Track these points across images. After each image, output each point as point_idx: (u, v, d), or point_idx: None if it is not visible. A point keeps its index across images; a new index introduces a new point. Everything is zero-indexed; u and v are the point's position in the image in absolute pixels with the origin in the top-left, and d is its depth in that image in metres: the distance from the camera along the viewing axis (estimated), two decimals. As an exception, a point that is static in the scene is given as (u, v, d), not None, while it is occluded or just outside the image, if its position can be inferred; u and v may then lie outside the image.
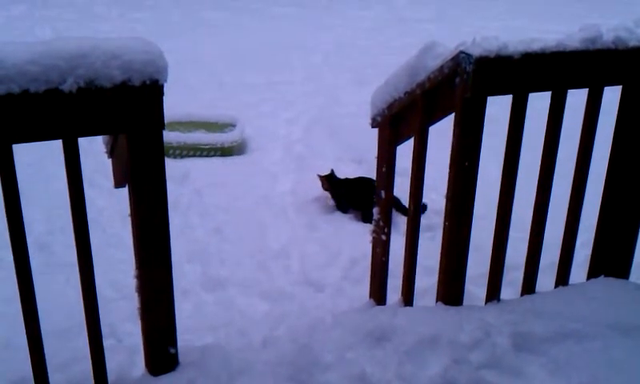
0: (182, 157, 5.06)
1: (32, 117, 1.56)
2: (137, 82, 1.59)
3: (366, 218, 4.13)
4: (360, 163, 4.99)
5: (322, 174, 4.40)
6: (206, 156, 5.15)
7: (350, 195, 4.34)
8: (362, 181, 4.36)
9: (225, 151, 5.18)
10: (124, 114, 1.63)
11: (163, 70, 1.62)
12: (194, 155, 5.12)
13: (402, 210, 3.96)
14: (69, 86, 1.53)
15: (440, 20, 10.16)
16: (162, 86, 1.64)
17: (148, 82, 1.60)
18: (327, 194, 4.43)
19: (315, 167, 4.92)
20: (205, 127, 5.53)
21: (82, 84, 1.54)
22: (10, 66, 1.49)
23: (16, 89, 1.50)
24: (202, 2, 10.86)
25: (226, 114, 5.71)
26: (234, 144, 5.22)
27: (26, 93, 1.51)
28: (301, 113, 6.19)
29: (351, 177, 4.46)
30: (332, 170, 4.43)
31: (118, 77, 1.57)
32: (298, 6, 10.92)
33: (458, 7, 11.24)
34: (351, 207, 4.34)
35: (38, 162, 4.46)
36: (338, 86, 7.01)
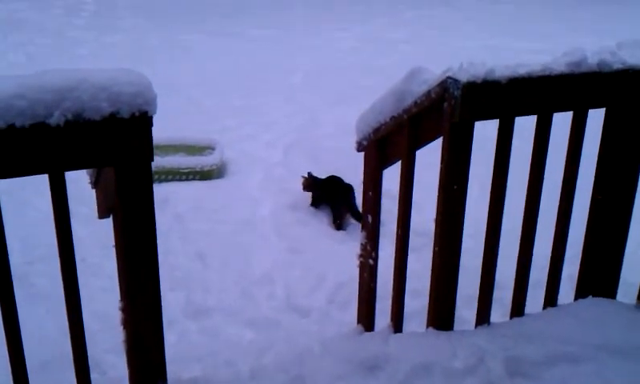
0: (162, 181, 5.00)
1: (18, 152, 1.52)
2: (126, 114, 1.56)
3: (335, 218, 4.49)
4: (341, 185, 4.97)
5: (304, 175, 4.71)
6: (186, 180, 5.10)
7: (323, 195, 4.66)
8: (331, 180, 4.67)
9: (204, 175, 5.13)
10: (113, 147, 1.60)
11: (152, 101, 1.59)
12: (172, 179, 5.06)
13: (355, 215, 4.36)
14: (56, 119, 1.49)
15: (417, 40, 10.23)
16: (152, 118, 1.61)
17: (137, 114, 1.57)
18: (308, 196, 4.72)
19: (296, 190, 4.90)
20: (184, 150, 5.48)
21: (69, 117, 1.51)
22: (-4, 100, 1.45)
23: (1, 124, 1.46)
24: (178, 25, 10.83)
25: (204, 137, 5.67)
26: (214, 167, 5.18)
27: (11, 128, 1.47)
28: (281, 135, 6.17)
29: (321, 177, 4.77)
30: (309, 173, 4.72)
31: (107, 109, 1.54)
32: (276, 28, 10.93)
33: (434, 28, 11.35)
34: (324, 204, 4.65)
35: (12, 190, 4.36)
36: (317, 107, 7.00)
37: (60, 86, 1.49)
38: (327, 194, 4.60)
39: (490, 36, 10.79)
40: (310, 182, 4.69)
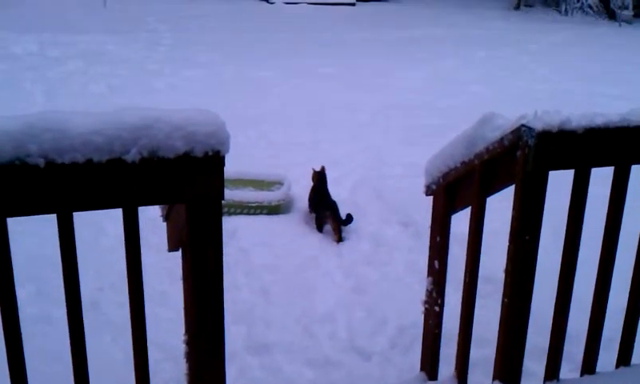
0: (230, 214, 5.06)
1: (94, 186, 1.57)
2: (199, 154, 1.59)
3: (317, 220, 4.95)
4: (407, 226, 4.92)
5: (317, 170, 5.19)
6: (253, 214, 5.15)
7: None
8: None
9: (272, 209, 5.17)
10: (185, 185, 1.63)
11: (225, 141, 1.62)
12: (240, 213, 5.12)
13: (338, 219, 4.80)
14: (132, 156, 1.54)
15: (485, 82, 10.13)
16: (224, 158, 1.63)
17: (210, 154, 1.60)
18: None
19: (361, 229, 4.89)
20: (252, 185, 5.54)
21: (144, 154, 1.55)
22: (76, 135, 1.50)
23: (80, 158, 1.51)
24: (250, 61, 11.06)
25: (273, 172, 5.73)
26: (281, 202, 5.22)
27: (89, 162, 1.52)
28: (347, 173, 6.18)
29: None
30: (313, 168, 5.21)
31: (181, 148, 1.57)
32: (344, 67, 11.02)
33: (503, 69, 11.22)
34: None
35: (87, 216, 4.49)
36: (383, 146, 6.99)
37: (137, 124, 1.54)
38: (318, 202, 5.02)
39: (560, 78, 10.59)
40: (319, 179, 5.16)
